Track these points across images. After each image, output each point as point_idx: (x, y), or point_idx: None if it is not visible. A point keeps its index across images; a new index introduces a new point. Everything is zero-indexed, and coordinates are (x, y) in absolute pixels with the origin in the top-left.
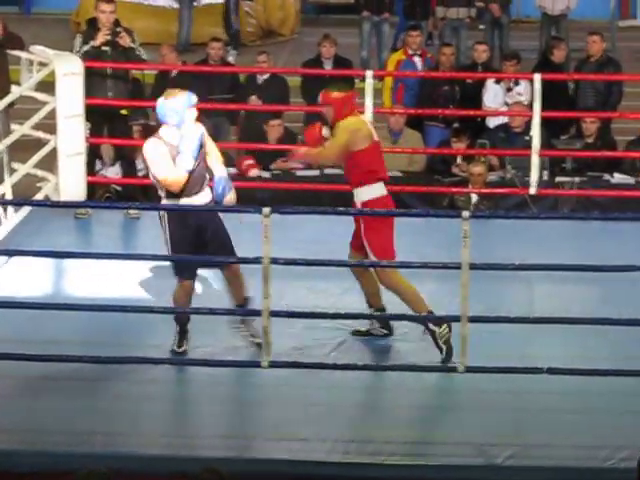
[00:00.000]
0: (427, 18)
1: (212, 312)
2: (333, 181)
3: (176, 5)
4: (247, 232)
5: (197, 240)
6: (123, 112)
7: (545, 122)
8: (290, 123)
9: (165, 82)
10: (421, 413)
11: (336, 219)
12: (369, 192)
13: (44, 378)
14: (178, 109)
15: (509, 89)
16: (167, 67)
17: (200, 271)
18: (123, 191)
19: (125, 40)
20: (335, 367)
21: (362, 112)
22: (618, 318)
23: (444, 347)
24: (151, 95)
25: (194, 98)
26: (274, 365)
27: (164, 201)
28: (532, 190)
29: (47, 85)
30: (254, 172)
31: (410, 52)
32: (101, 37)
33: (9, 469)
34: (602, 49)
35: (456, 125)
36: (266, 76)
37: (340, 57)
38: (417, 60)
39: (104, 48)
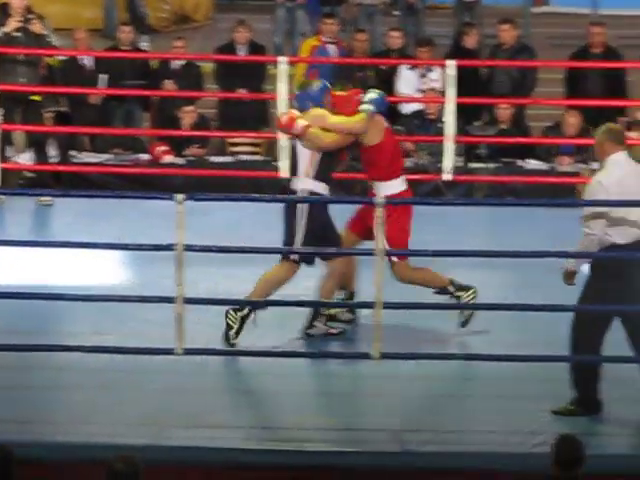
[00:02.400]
0: (341, 4)
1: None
2: (247, 167)
3: None
4: (160, 219)
5: None
6: (35, 98)
7: (459, 108)
8: (203, 109)
9: (75, 67)
10: (337, 400)
11: (250, 205)
12: (391, 188)
13: None
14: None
15: (423, 75)
16: (77, 53)
17: None
18: (35, 178)
19: (37, 26)
20: (250, 354)
21: (274, 98)
22: (532, 304)
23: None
24: (60, 81)
25: (327, 84)
26: (188, 352)
27: None
28: (446, 176)
29: None
30: (168, 158)
31: (325, 39)
32: (12, 24)
33: None
34: (515, 36)
35: None
36: (181, 62)
37: (254, 43)
38: (331, 48)
39: (15, 34)
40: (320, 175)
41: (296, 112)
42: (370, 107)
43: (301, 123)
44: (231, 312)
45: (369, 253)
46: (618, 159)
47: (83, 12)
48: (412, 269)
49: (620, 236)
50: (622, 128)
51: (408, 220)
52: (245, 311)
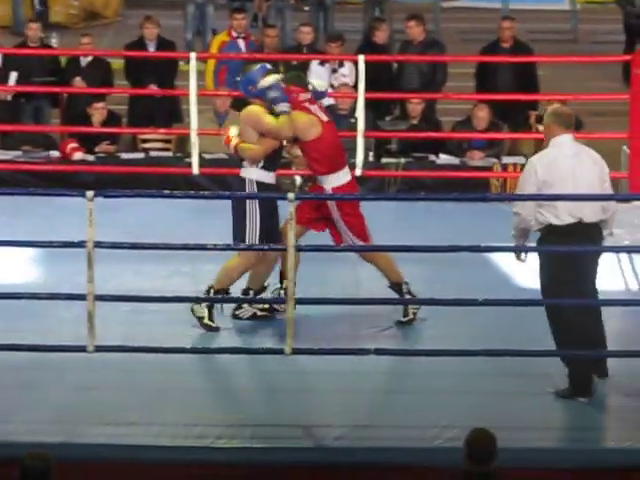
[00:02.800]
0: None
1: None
2: (158, 164)
3: None
4: (72, 216)
5: None
6: None
7: (370, 103)
8: (113, 106)
9: None
10: (250, 395)
11: (161, 202)
12: (335, 180)
13: None
14: (254, 80)
15: (334, 70)
16: None
17: None
18: None
19: None
20: (163, 350)
21: (185, 94)
22: (443, 298)
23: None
24: None
25: (267, 66)
26: (100, 349)
27: None
28: (357, 171)
29: None
30: (78, 155)
31: (234, 35)
32: None
33: None
34: (424, 31)
35: None
36: (89, 59)
37: (163, 39)
38: (241, 43)
39: None
40: (266, 164)
41: (234, 130)
42: (284, 107)
43: (232, 143)
44: (194, 307)
45: (282, 249)
46: (560, 141)
47: None
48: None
49: (555, 217)
50: (570, 111)
51: (358, 208)
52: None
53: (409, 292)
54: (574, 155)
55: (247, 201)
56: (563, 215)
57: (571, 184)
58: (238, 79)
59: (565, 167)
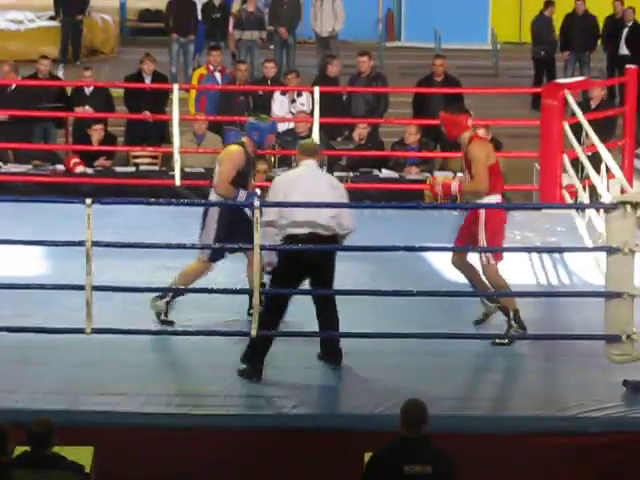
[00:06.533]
0: (225, 39)
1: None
2: (147, 176)
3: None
4: (74, 220)
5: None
6: None
7: (324, 127)
8: (114, 127)
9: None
10: (214, 370)
11: (148, 208)
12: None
13: None
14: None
15: (293, 100)
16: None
17: None
18: None
19: None
20: (144, 332)
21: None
22: (385, 290)
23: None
24: None
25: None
26: (96, 331)
27: None
28: None
29: None
30: (79, 168)
31: (212, 68)
32: None
33: None
34: (371, 66)
35: None
36: (92, 88)
37: (158, 73)
38: (217, 75)
39: None
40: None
41: (440, 179)
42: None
43: (454, 187)
44: (154, 300)
45: (248, 248)
46: (304, 164)
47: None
48: (499, 274)
49: (291, 229)
50: (313, 144)
51: (502, 223)
52: (167, 297)
53: (519, 322)
54: (312, 176)
55: (210, 216)
56: (298, 227)
57: (304, 201)
58: (250, 120)
59: (302, 186)
